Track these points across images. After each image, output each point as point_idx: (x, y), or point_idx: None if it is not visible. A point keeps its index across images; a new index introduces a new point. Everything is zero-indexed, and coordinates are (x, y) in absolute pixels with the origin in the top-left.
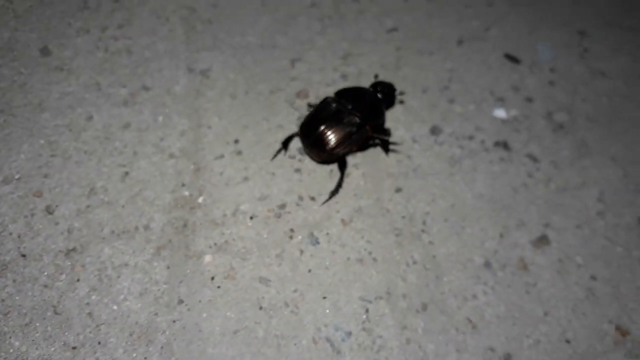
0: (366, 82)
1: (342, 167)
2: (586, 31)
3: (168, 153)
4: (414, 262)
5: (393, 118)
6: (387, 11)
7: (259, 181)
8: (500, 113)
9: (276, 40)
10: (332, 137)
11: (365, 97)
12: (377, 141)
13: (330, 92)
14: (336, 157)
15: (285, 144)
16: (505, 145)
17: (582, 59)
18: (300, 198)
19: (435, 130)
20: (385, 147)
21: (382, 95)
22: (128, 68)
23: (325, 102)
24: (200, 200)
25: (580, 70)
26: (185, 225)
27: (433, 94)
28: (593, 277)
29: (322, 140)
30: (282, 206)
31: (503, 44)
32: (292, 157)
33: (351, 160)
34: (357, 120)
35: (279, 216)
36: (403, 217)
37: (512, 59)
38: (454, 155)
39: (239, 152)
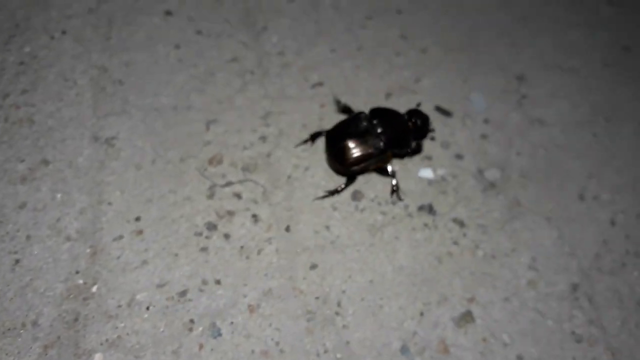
0: (286, 143)
1: (350, 181)
2: (524, 75)
3: (64, 235)
4: (325, 351)
5: (313, 183)
6: (314, 64)
7: (159, 264)
8: (427, 173)
9: (191, 100)
10: (352, 153)
11: (396, 124)
12: (394, 183)
13: (245, 156)
14: (350, 173)
15: (314, 137)
16: (430, 209)
17: (520, 107)
18: (204, 282)
19: (356, 196)
20: (396, 188)
21: (415, 126)
22: (29, 139)
23: (358, 117)
24: (94, 289)
25: (517, 120)
26: (76, 319)
27: None
28: (520, 357)
29: (343, 153)
30: (183, 293)
31: (434, 95)
32: (199, 234)
33: (264, 234)
34: (381, 145)
35: (178, 305)
36: (317, 298)
37: (443, 111)
38: (375, 223)
39: (140, 232)
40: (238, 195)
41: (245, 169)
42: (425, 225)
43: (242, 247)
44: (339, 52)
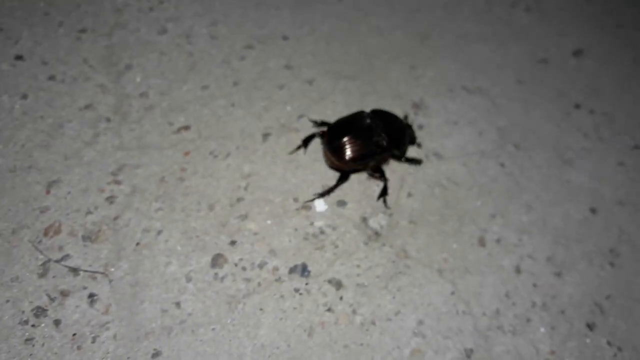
0: (139, 203)
1: (342, 180)
2: (423, 102)
3: None
4: None
5: (167, 250)
6: (181, 104)
7: None
8: (321, 206)
9: (34, 159)
10: (353, 150)
11: (397, 124)
12: (382, 185)
13: (88, 222)
14: (346, 170)
15: (306, 142)
16: (303, 270)
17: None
18: None
19: (217, 261)
20: (383, 191)
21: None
22: None
23: (361, 115)
24: None
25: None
26: None
27: (223, 210)
28: None
29: (343, 149)
30: None
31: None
32: (25, 323)
33: (102, 317)
34: (384, 143)
35: None
36: None
37: None
38: (237, 294)
39: None
40: (75, 271)
41: (86, 237)
42: (296, 290)
43: (74, 334)
44: (212, 88)
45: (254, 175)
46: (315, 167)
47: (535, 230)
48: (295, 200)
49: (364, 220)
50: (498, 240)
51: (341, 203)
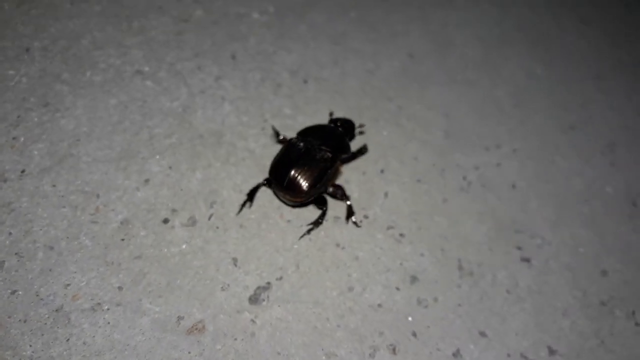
0: None
1: (322, 204)
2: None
3: None
4: None
5: None
6: None
7: None
8: None
9: None
10: (306, 178)
11: (329, 132)
12: (348, 203)
13: None
14: (312, 198)
15: (251, 195)
16: None
17: None
18: None
19: None
20: (350, 211)
21: (343, 129)
22: None
23: (291, 143)
24: None
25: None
26: None
27: None
28: None
29: (296, 182)
30: None
31: None
32: None
33: None
34: (329, 155)
35: None
36: None
37: None
38: None
39: None
40: None
41: None
42: None
43: None
44: None
45: None
46: None
47: None
48: None
49: None
50: None
51: None
